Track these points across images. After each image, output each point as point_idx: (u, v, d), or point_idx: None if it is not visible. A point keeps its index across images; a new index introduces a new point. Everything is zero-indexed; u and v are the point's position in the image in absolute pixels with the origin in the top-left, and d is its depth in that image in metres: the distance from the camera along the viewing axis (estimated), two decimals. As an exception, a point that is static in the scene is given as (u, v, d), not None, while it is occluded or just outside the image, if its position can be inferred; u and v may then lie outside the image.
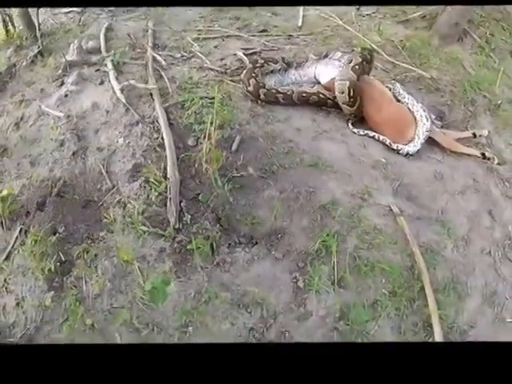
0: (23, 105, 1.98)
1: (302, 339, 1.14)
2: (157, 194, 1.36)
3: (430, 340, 1.26)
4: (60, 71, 2.04)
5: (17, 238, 1.44)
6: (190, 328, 1.11)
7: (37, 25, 2.25)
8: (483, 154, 1.74)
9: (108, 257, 1.26)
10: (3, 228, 1.50)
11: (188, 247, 1.23)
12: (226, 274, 1.21)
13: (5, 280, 1.38)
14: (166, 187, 1.36)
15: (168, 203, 1.32)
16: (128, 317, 1.13)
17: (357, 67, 1.56)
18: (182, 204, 1.32)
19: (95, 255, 1.28)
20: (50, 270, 1.27)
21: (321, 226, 1.33)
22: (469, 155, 1.74)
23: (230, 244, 1.27)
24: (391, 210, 1.46)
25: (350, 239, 1.33)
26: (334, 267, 1.25)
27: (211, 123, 1.39)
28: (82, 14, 2.56)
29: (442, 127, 1.76)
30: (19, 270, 1.37)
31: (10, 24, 2.47)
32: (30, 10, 2.38)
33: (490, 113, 1.95)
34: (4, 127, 1.91)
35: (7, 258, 1.41)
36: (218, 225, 1.29)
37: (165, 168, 1.43)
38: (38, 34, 2.24)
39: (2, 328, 1.26)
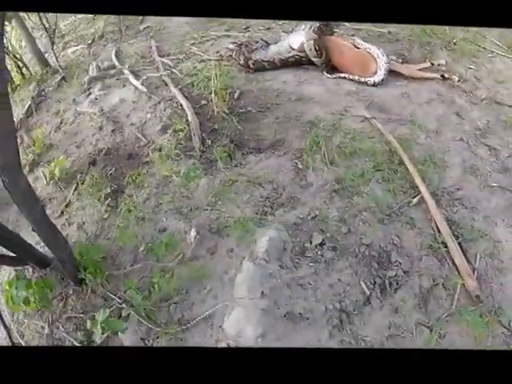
0: (60, 113, 3.27)
1: (307, 200, 2.05)
2: (183, 134, 2.46)
3: (418, 198, 2.12)
4: (86, 85, 3.41)
5: (75, 188, 2.49)
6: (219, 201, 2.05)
7: (54, 57, 3.73)
8: (443, 76, 2.84)
9: (152, 177, 2.28)
10: (61, 189, 2.57)
11: (211, 158, 2.26)
12: (242, 169, 2.22)
13: (66, 219, 2.37)
14: (189, 130, 2.46)
15: (193, 137, 2.40)
16: (172, 206, 2.09)
17: (316, 29, 2.82)
18: (203, 135, 2.40)
19: (142, 180, 2.30)
20: (105, 196, 2.28)
21: (310, 133, 2.35)
22: (430, 79, 2.82)
23: (243, 153, 2.29)
24: (366, 118, 2.48)
25: (335, 138, 2.36)
26: (324, 154, 2.23)
27: (215, 86, 2.57)
28: (89, 47, 4.13)
29: (402, 63, 2.90)
30: (78, 209, 2.38)
31: (24, 67, 4.01)
32: (42, 49, 3.93)
33: (445, 49, 3.11)
34: (46, 132, 3.16)
35: (67, 205, 2.43)
36: (231, 144, 2.33)
37: (187, 120, 2.55)
38: (57, 65, 3.70)
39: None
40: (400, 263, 1.94)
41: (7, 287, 1.99)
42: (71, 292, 2.12)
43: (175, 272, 1.85)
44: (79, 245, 2.08)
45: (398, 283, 1.89)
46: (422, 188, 2.17)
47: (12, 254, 1.98)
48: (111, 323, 1.65)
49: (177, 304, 1.80)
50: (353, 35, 3.08)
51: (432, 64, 2.95)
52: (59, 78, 3.72)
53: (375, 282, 1.87)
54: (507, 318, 1.85)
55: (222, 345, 1.61)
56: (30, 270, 2.20)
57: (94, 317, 1.82)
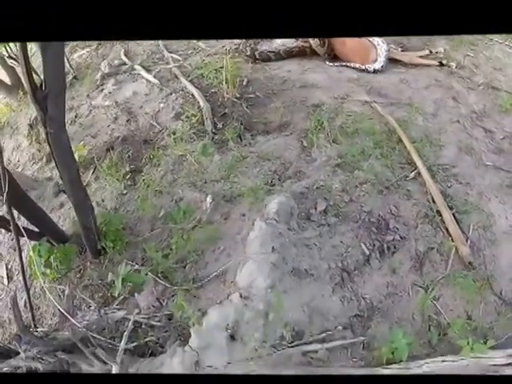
0: (74, 108, 3.67)
1: (311, 173, 2.38)
2: (195, 120, 2.82)
3: (414, 173, 2.43)
4: (99, 81, 3.81)
5: (94, 170, 2.85)
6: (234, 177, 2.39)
7: (66, 59, 4.15)
8: (440, 63, 3.18)
9: (168, 156, 2.64)
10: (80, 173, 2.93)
11: (223, 139, 2.61)
12: (252, 148, 2.56)
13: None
14: (201, 115, 2.82)
15: (205, 120, 2.76)
16: (187, 180, 2.44)
17: (319, 21, 3.19)
18: (214, 119, 2.76)
19: (158, 160, 2.66)
20: (124, 175, 2.63)
21: (314, 115, 2.69)
22: (428, 66, 3.17)
23: (252, 134, 2.65)
24: (366, 101, 2.83)
25: (337, 119, 2.70)
26: (327, 134, 2.57)
27: (226, 72, 2.95)
28: (96, 49, 4.58)
29: (401, 51, 3.26)
30: (97, 189, 2.73)
31: (34, 72, 4.44)
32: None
33: (444, 37, 3.46)
34: (62, 126, 3.55)
35: (87, 185, 2.79)
36: (241, 126, 2.69)
37: (198, 107, 2.92)
38: (68, 65, 4.12)
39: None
40: (397, 229, 2.25)
41: (30, 253, 2.32)
42: (89, 264, 2.46)
43: (191, 235, 2.19)
44: (102, 214, 2.43)
45: (395, 247, 2.20)
46: (419, 164, 2.49)
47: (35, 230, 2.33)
48: (132, 277, 1.97)
49: (192, 264, 2.13)
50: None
51: (430, 52, 3.30)
52: (70, 77, 4.15)
53: (374, 245, 2.18)
54: (499, 287, 2.11)
55: (235, 295, 1.92)
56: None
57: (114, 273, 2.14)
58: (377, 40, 3.18)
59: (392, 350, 1.84)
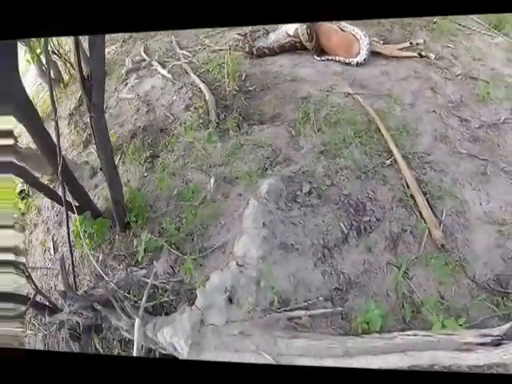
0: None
1: (298, 160, 2.13)
2: (202, 111, 2.54)
3: (391, 160, 2.13)
4: (124, 76, 3.48)
5: (121, 156, 2.65)
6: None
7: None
8: (420, 54, 2.73)
9: (179, 143, 2.41)
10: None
11: (224, 128, 2.35)
12: (248, 136, 2.32)
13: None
14: (207, 107, 2.53)
15: (210, 112, 2.48)
16: (196, 164, 2.23)
17: (309, 17, 2.73)
18: (218, 111, 2.47)
19: (172, 146, 2.44)
20: (145, 159, 2.45)
21: (302, 107, 2.37)
22: (408, 57, 2.73)
23: (248, 124, 2.37)
24: (349, 93, 2.47)
25: (322, 110, 2.39)
26: (313, 124, 2.27)
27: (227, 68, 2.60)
28: (121, 46, 4.14)
29: (383, 44, 2.80)
30: (124, 171, 2.55)
31: (71, 67, 4.03)
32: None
33: (425, 29, 2.95)
34: (95, 116, 3.29)
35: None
36: (240, 116, 2.40)
37: (205, 100, 2.62)
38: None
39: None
40: (373, 211, 2.00)
41: (77, 224, 2.21)
42: (117, 236, 2.34)
43: (198, 211, 2.05)
44: (130, 190, 2.30)
45: (371, 227, 1.95)
46: (395, 151, 2.17)
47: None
48: (151, 243, 1.87)
49: (199, 236, 1.99)
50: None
51: (411, 43, 2.83)
52: (102, 71, 3.80)
53: (352, 225, 1.95)
54: (473, 271, 1.77)
55: (232, 263, 1.80)
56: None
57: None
58: (360, 34, 2.72)
59: (367, 320, 1.63)
